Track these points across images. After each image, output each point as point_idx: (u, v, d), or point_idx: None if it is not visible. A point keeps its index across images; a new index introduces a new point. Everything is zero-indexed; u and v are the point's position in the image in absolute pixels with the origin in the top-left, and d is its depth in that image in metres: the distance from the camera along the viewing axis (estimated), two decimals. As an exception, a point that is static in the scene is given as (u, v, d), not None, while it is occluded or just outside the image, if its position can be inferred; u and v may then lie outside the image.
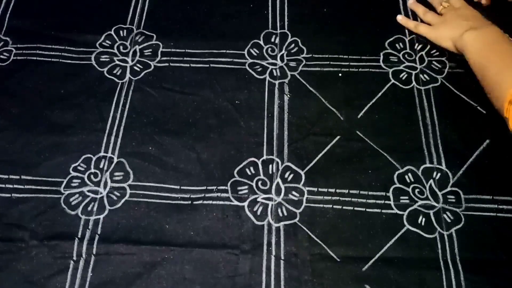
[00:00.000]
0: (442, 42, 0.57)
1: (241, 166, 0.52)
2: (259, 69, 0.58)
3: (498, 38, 0.51)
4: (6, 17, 0.63)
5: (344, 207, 0.49)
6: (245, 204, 0.50)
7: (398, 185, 0.50)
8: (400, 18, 0.62)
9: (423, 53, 0.59)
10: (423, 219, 0.48)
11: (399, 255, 0.47)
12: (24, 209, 0.49)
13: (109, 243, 0.47)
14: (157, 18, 0.63)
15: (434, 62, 0.59)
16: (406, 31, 0.61)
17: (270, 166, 0.52)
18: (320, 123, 0.54)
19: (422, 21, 0.61)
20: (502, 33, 0.52)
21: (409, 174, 0.51)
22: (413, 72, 0.58)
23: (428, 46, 0.60)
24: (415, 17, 0.63)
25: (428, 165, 0.52)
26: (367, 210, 0.49)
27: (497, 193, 0.49)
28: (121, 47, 0.60)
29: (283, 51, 0.60)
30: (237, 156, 0.52)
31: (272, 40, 0.61)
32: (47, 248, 0.47)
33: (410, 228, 0.48)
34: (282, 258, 0.47)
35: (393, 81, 0.57)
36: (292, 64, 0.59)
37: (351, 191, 0.50)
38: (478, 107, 0.55)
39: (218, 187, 0.50)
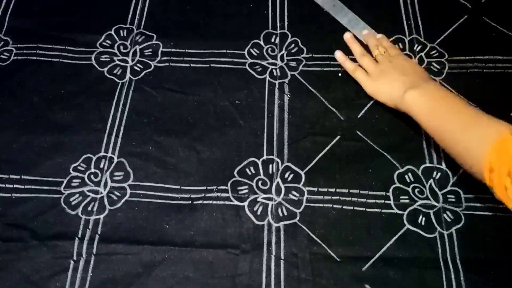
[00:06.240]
0: (380, 98, 0.53)
1: (241, 166, 0.52)
2: (259, 69, 0.59)
3: (442, 94, 0.48)
4: (6, 17, 0.63)
5: (344, 207, 0.49)
6: (245, 204, 0.50)
7: (398, 184, 0.50)
8: (339, 56, 0.58)
9: (423, 54, 0.59)
10: (423, 219, 0.48)
11: (399, 255, 0.47)
12: (24, 209, 0.49)
13: (109, 243, 0.47)
14: (157, 18, 0.63)
15: (433, 63, 0.58)
16: (406, 31, 0.61)
17: (270, 166, 0.52)
18: (320, 123, 0.54)
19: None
20: (442, 87, 0.49)
21: (409, 174, 0.51)
22: (413, 72, 0.58)
23: (428, 47, 0.60)
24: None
25: (428, 164, 0.52)
26: (367, 209, 0.49)
27: (497, 193, 0.49)
28: (121, 47, 0.60)
29: (283, 51, 0.60)
30: (237, 156, 0.52)
31: (272, 40, 0.61)
32: (47, 248, 0.47)
33: (410, 227, 0.48)
34: (282, 258, 0.47)
35: (393, 81, 0.57)
36: (292, 64, 0.59)
37: (351, 191, 0.50)
38: (477, 108, 0.55)
39: (218, 187, 0.50)
